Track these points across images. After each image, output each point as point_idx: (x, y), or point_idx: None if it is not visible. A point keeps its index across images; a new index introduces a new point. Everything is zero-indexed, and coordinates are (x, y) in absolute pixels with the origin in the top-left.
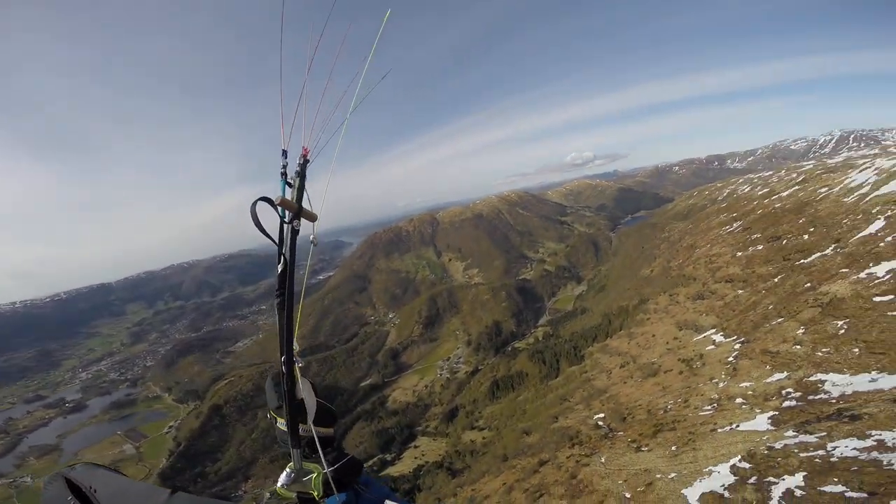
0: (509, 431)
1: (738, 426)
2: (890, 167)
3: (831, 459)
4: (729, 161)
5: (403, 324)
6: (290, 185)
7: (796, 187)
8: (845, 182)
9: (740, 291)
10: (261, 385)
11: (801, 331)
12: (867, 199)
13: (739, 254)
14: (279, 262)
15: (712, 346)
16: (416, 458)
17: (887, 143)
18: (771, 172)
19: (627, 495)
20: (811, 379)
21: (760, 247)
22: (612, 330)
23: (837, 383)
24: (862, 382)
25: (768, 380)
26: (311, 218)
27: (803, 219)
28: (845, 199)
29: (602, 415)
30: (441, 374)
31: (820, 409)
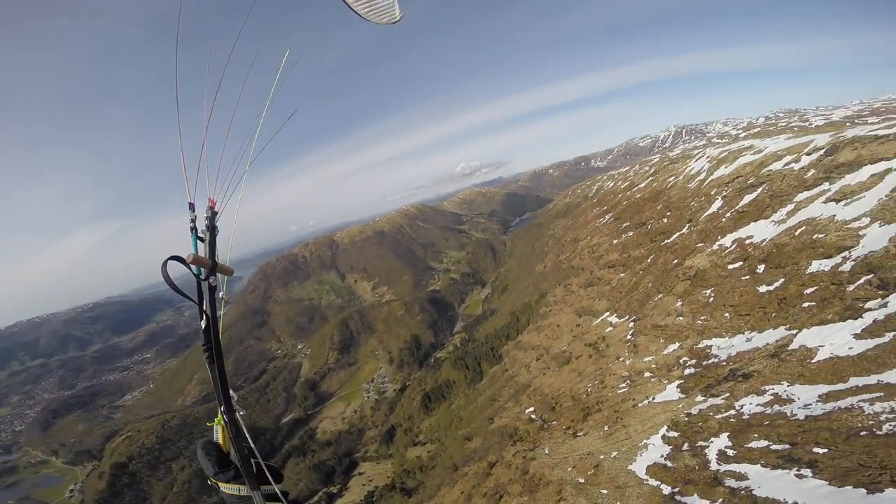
0: (451, 441)
1: (654, 398)
2: (718, 154)
3: (744, 417)
4: (593, 161)
5: (316, 353)
6: (201, 239)
7: (650, 178)
8: (686, 170)
9: (622, 275)
10: (166, 437)
11: (679, 303)
12: (705, 183)
13: (615, 241)
14: (201, 319)
15: (611, 328)
16: (363, 484)
17: (710, 134)
18: (627, 168)
19: (581, 480)
20: (700, 346)
21: (631, 233)
22: (522, 326)
23: (721, 346)
24: (740, 343)
25: (665, 352)
26: (227, 272)
27: (660, 205)
28: (689, 185)
29: (532, 408)
30: (368, 397)
31: (716, 373)
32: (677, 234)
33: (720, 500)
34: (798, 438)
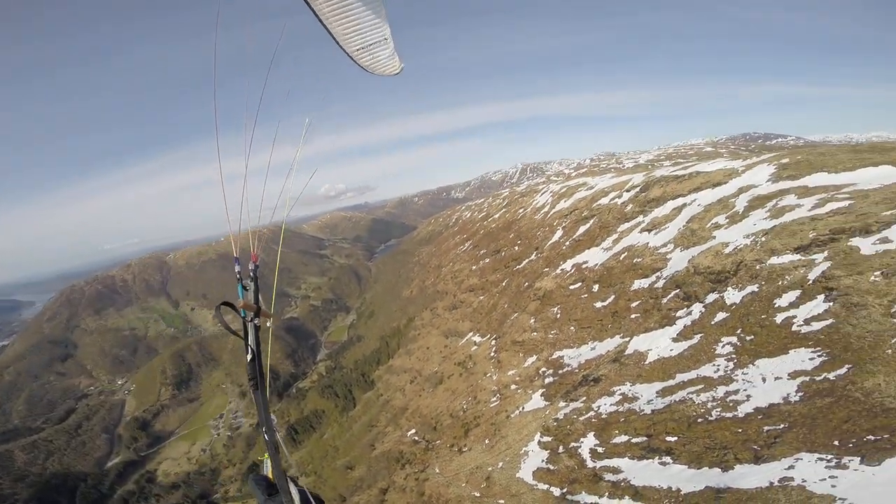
0: (331, 471)
1: (523, 408)
2: (559, 190)
3: (602, 417)
4: (454, 191)
5: (143, 389)
6: (245, 288)
7: (504, 210)
8: (533, 203)
9: (482, 297)
10: None
11: (532, 321)
12: (549, 214)
13: (474, 267)
14: (247, 353)
15: (476, 347)
16: None
17: (549, 172)
18: (482, 200)
19: (477, 494)
20: (554, 357)
21: (488, 260)
22: (392, 350)
23: (572, 356)
24: (587, 352)
25: (525, 364)
26: (269, 316)
27: (512, 234)
28: (536, 217)
29: (414, 430)
30: (219, 434)
31: (571, 379)
32: (527, 260)
33: (605, 493)
34: (651, 430)
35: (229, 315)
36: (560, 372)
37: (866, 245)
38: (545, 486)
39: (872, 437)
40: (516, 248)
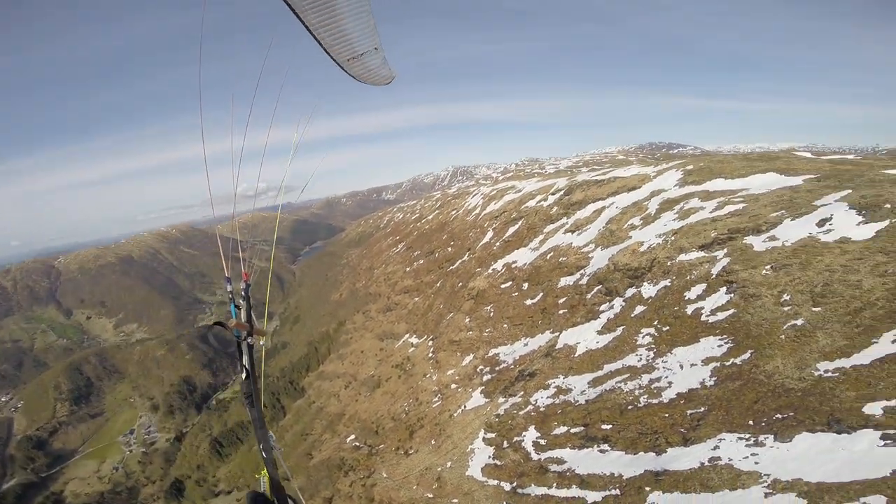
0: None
1: (465, 407)
2: (489, 192)
3: (541, 410)
4: (384, 193)
5: (34, 405)
6: (237, 307)
7: (437, 212)
8: (465, 205)
9: (416, 299)
10: None
11: (467, 320)
12: (480, 216)
13: (408, 269)
14: (242, 372)
15: (413, 348)
16: None
17: (478, 175)
18: (414, 202)
19: (430, 495)
20: (490, 354)
21: (422, 261)
22: (322, 356)
23: (507, 353)
24: (520, 348)
25: (463, 363)
26: (262, 334)
27: (446, 235)
28: (468, 218)
29: (353, 436)
30: (131, 451)
31: (508, 375)
32: (460, 260)
33: (553, 484)
34: (588, 420)
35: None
36: (497, 369)
37: (758, 242)
38: (495, 482)
39: (780, 416)
40: (450, 249)
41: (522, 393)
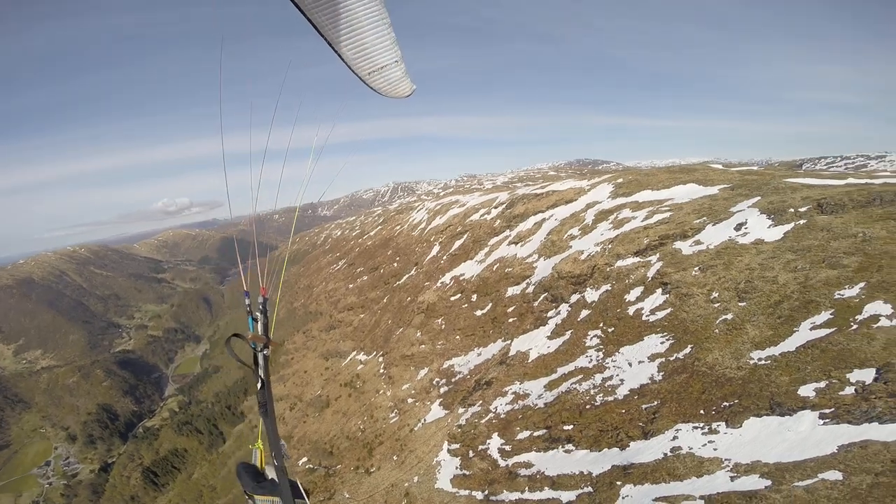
0: None
1: (425, 420)
2: (434, 207)
3: (501, 417)
4: (320, 209)
5: None
6: (255, 319)
7: (380, 227)
8: (410, 220)
9: (362, 315)
10: None
11: (419, 334)
12: (426, 231)
13: (351, 286)
14: (258, 383)
15: (362, 366)
16: None
17: (419, 191)
18: (354, 218)
19: None
20: (445, 367)
21: (366, 277)
22: None
23: (461, 364)
24: (474, 358)
25: (418, 377)
26: (278, 345)
27: (390, 251)
28: (413, 233)
29: (305, 458)
30: (51, 483)
31: (465, 386)
32: (407, 275)
33: (525, 488)
34: (549, 422)
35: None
36: (453, 380)
37: (686, 247)
38: (466, 492)
39: (727, 404)
40: (395, 264)
41: (481, 402)
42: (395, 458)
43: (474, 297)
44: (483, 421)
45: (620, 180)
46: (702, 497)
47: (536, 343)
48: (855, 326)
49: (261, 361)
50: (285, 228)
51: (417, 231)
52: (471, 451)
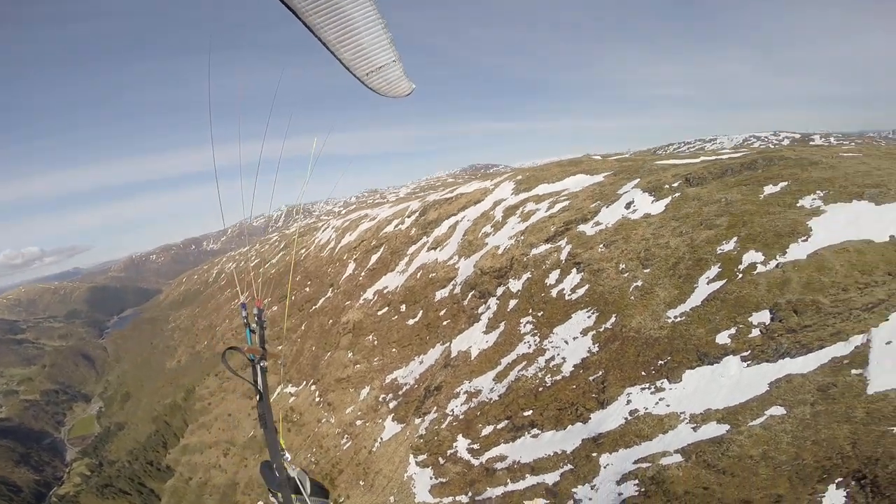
0: None
1: (381, 439)
2: (341, 224)
3: (461, 418)
4: (205, 243)
5: None
6: (252, 331)
7: (282, 253)
8: (315, 242)
9: (280, 347)
10: None
11: (350, 354)
12: (336, 250)
13: None
14: (256, 395)
15: (294, 398)
16: None
17: (317, 212)
18: (247, 248)
19: None
20: (388, 381)
21: (276, 308)
22: (178, 429)
23: (405, 375)
24: (417, 367)
25: (361, 398)
26: (276, 357)
27: (299, 276)
28: (322, 254)
29: (261, 502)
30: None
31: (415, 396)
32: (324, 298)
33: (507, 480)
34: (508, 412)
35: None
36: (401, 393)
37: (588, 228)
38: (450, 499)
39: (661, 362)
40: (307, 289)
41: (436, 408)
42: (361, 483)
43: (403, 307)
44: (443, 426)
45: (520, 177)
46: (676, 451)
47: (475, 340)
48: (740, 276)
49: (259, 373)
50: (166, 269)
51: (327, 251)
52: (440, 458)
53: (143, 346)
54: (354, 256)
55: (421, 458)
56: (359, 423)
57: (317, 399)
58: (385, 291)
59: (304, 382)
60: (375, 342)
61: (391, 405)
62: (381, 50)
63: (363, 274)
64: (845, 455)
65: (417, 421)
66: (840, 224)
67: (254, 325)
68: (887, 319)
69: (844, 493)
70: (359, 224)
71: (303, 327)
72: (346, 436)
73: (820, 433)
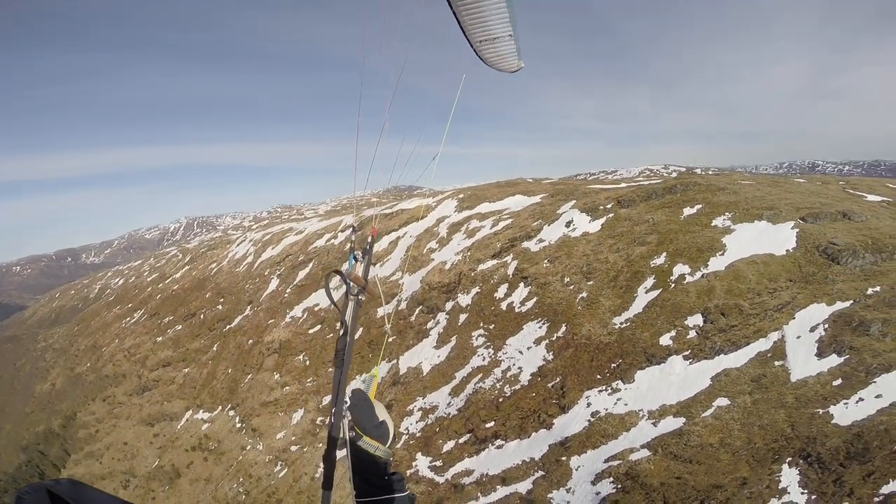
0: None
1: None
2: (261, 238)
3: (417, 436)
4: (84, 255)
5: None
6: (356, 259)
7: (187, 268)
8: (230, 256)
9: (186, 370)
10: None
11: (277, 376)
12: (255, 265)
13: (160, 339)
14: (341, 327)
15: (208, 424)
16: None
17: (222, 226)
18: (140, 262)
19: None
20: (325, 402)
21: (179, 327)
22: (56, 459)
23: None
24: (360, 385)
25: (294, 422)
26: (374, 294)
27: (209, 293)
28: (238, 269)
29: None
30: None
31: None
32: (240, 316)
33: (478, 494)
34: (469, 425)
35: None
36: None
37: (532, 245)
38: None
39: (614, 365)
40: (220, 307)
41: None
42: None
43: (339, 324)
44: (399, 445)
45: (462, 196)
46: (643, 446)
47: (425, 355)
48: (673, 285)
49: (351, 305)
50: (34, 283)
51: (244, 266)
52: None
53: (4, 368)
54: (278, 272)
55: None
56: (294, 448)
57: (238, 425)
58: (317, 309)
59: (220, 408)
60: (307, 362)
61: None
62: (499, 22)
63: (289, 291)
64: (788, 437)
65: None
66: (747, 240)
67: (358, 253)
68: (794, 318)
69: (797, 471)
70: (282, 237)
71: (215, 348)
72: (279, 463)
73: (763, 419)
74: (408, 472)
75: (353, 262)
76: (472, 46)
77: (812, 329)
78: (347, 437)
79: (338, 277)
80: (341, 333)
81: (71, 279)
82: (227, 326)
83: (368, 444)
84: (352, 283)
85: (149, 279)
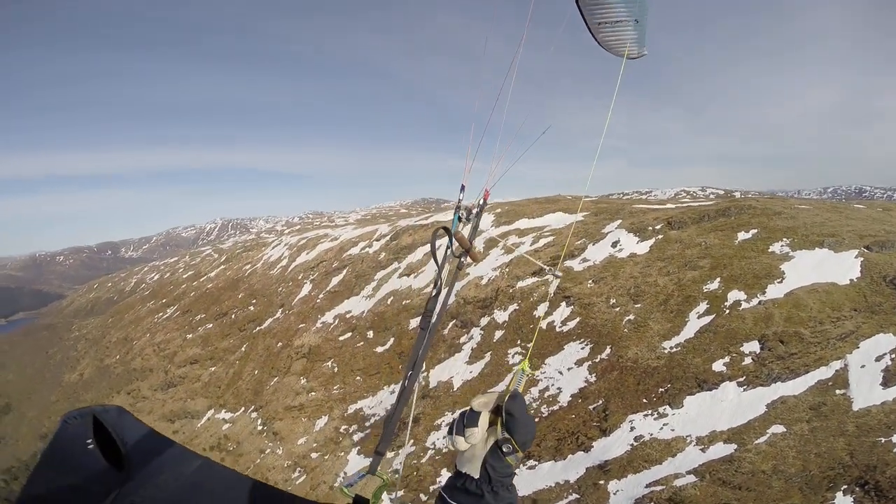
0: None
1: (345, 472)
2: (297, 242)
3: (443, 451)
4: (123, 249)
5: None
6: (460, 219)
7: (222, 267)
8: (265, 258)
9: (213, 369)
10: None
11: (304, 381)
12: (289, 269)
13: (190, 336)
14: (435, 286)
15: (228, 425)
16: None
17: (255, 229)
18: (175, 259)
19: None
20: (350, 412)
21: (210, 325)
22: None
23: (372, 405)
24: (387, 397)
25: (317, 428)
26: (475, 258)
27: (242, 294)
28: (272, 272)
29: None
30: None
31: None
32: (271, 319)
33: None
34: None
35: None
36: (367, 424)
37: (576, 264)
38: None
39: (662, 389)
40: (251, 308)
41: (413, 440)
42: None
43: (370, 333)
44: (423, 460)
45: (499, 210)
46: (689, 472)
47: (457, 370)
48: (727, 311)
49: (449, 266)
50: (74, 273)
51: (278, 269)
52: (422, 494)
53: (36, 355)
54: (312, 277)
55: (398, 494)
56: (314, 455)
57: (259, 428)
58: (348, 316)
59: (243, 409)
60: (335, 369)
61: (356, 437)
62: (623, 4)
63: (322, 296)
64: (846, 465)
65: (390, 455)
66: (807, 268)
67: (462, 213)
68: (858, 347)
69: (852, 499)
70: (317, 243)
71: (243, 348)
72: (298, 469)
73: (820, 446)
74: (431, 488)
75: (458, 222)
76: (588, 29)
77: (878, 359)
78: (502, 449)
79: (445, 238)
80: (434, 294)
81: (109, 271)
82: (258, 328)
83: (516, 459)
84: (455, 244)
85: (184, 276)
